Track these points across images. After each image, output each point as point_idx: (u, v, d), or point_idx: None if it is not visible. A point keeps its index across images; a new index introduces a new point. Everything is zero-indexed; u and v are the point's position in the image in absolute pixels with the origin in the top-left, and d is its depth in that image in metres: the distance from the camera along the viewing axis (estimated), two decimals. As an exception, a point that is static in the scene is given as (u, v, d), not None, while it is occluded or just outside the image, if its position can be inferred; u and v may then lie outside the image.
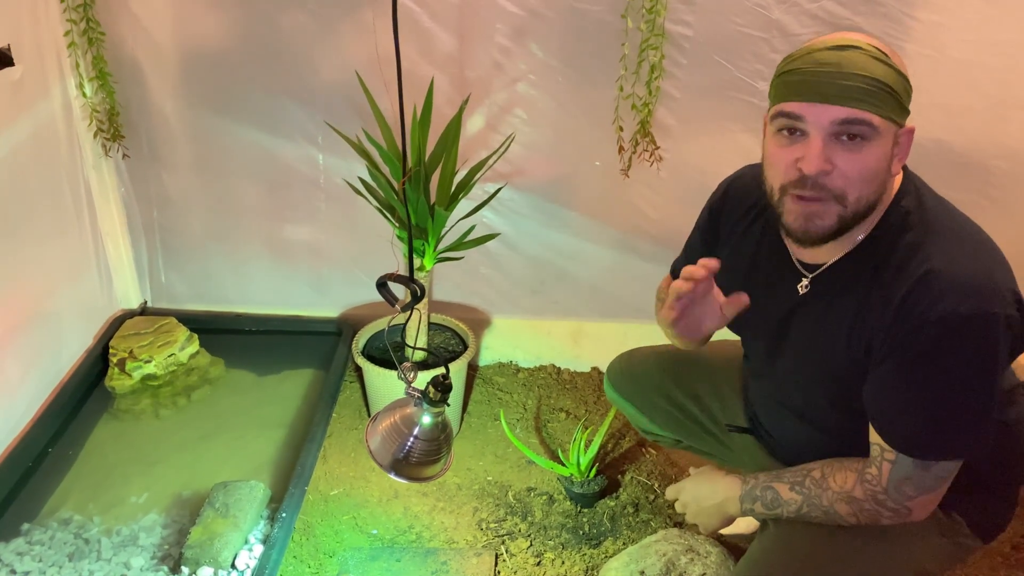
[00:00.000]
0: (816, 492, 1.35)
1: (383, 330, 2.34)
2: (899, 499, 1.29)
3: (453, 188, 2.09)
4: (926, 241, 1.23)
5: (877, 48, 1.19)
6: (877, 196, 1.24)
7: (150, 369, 2.38)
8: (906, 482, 1.27)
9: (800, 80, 1.19)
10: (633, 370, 1.84)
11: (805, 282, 1.36)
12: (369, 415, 2.39)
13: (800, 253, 1.37)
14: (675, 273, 1.68)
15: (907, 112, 1.22)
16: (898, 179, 1.30)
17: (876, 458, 1.30)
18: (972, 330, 1.18)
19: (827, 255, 1.32)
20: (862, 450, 1.33)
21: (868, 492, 1.30)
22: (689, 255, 1.64)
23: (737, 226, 1.49)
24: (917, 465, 1.26)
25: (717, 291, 1.37)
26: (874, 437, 1.30)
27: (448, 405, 1.44)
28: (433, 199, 2.09)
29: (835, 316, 1.32)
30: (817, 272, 1.35)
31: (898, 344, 1.23)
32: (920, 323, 1.19)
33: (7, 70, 1.95)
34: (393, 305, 1.46)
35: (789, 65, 1.22)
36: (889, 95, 1.17)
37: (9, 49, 1.95)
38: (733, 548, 1.88)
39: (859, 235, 1.29)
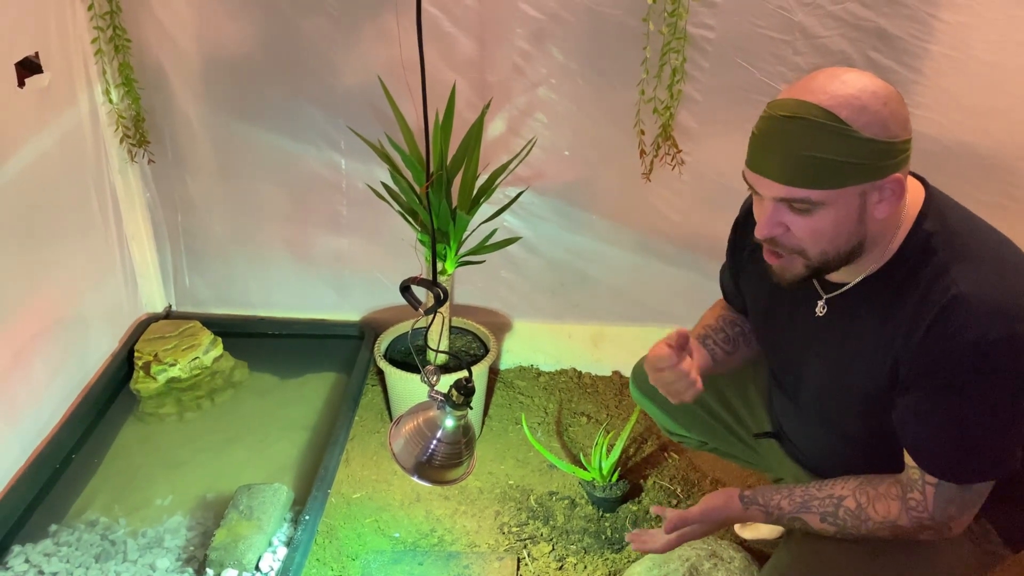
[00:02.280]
0: (854, 524, 1.32)
1: (404, 333, 2.35)
2: (943, 520, 1.27)
3: (474, 192, 2.10)
4: (951, 264, 1.20)
5: (831, 114, 1.12)
6: (851, 245, 1.22)
7: (175, 372, 2.40)
8: (950, 504, 1.26)
9: (751, 146, 1.20)
10: None
11: (821, 304, 1.35)
12: (391, 418, 2.40)
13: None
14: (722, 277, 1.68)
15: (881, 168, 1.15)
16: (918, 199, 1.26)
17: (916, 482, 1.27)
18: (1002, 355, 1.16)
19: (847, 276, 1.30)
20: (889, 457, 1.32)
21: (914, 518, 1.28)
22: (724, 271, 1.65)
23: (759, 246, 1.48)
24: (961, 488, 1.25)
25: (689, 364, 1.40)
26: (909, 460, 1.29)
27: (471, 408, 1.44)
28: (455, 203, 2.09)
29: (856, 338, 1.30)
30: (833, 294, 1.34)
31: (927, 371, 1.21)
32: (949, 350, 1.17)
33: (35, 77, 1.98)
34: (417, 309, 1.46)
35: (757, 121, 1.20)
36: (836, 166, 1.13)
37: (37, 56, 1.99)
38: (756, 553, 1.87)
39: (877, 259, 1.27)
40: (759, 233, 1.22)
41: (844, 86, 1.14)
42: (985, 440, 1.22)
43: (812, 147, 1.13)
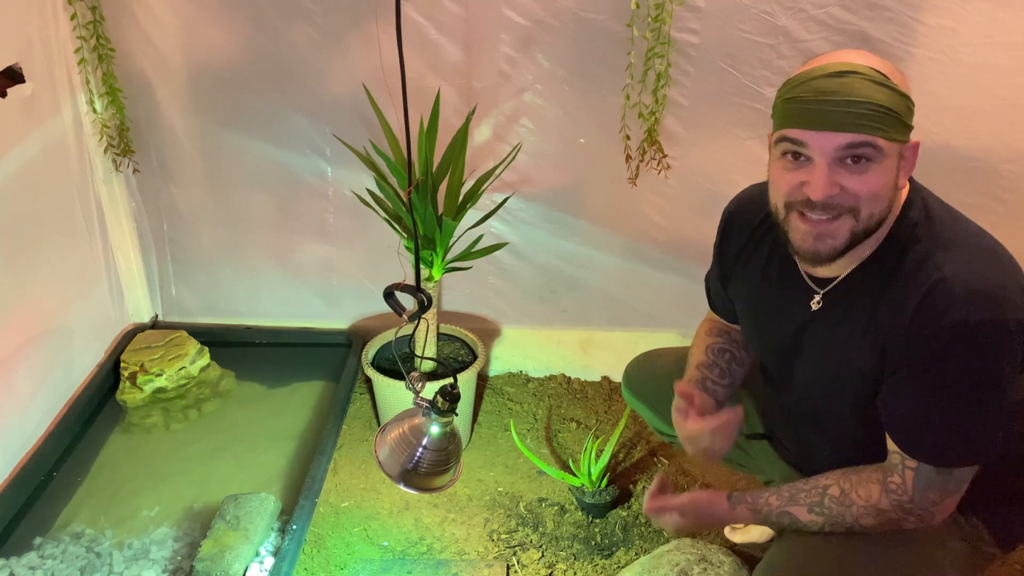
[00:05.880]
0: (839, 511, 1.33)
1: (392, 341, 2.34)
2: (924, 505, 1.29)
3: (461, 198, 2.09)
4: (935, 251, 1.23)
5: (876, 71, 1.18)
6: (887, 211, 1.24)
7: (161, 382, 2.38)
8: (930, 488, 1.28)
9: (802, 108, 1.19)
10: (651, 372, 1.84)
11: (817, 298, 1.37)
12: (379, 427, 2.39)
13: (810, 268, 1.37)
14: (707, 285, 1.69)
15: (910, 128, 1.21)
16: (904, 190, 1.30)
17: (897, 466, 1.29)
18: (984, 338, 1.18)
19: (837, 269, 1.33)
20: (880, 455, 1.33)
21: (895, 502, 1.30)
22: (712, 273, 1.66)
23: (746, 246, 1.50)
24: (940, 471, 1.27)
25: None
26: (892, 445, 1.30)
27: (456, 415, 1.43)
28: (441, 209, 2.09)
29: (848, 328, 1.32)
30: (829, 287, 1.35)
31: (911, 354, 1.23)
32: (932, 332, 1.20)
33: (18, 87, 1.97)
34: (400, 315, 1.46)
35: (790, 92, 1.22)
36: (891, 117, 1.17)
37: (20, 66, 1.97)
38: (746, 557, 1.86)
39: (868, 249, 1.29)
40: (817, 194, 1.20)
41: (867, 56, 1.21)
42: (965, 423, 1.24)
43: (871, 96, 1.16)
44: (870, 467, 1.34)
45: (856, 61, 1.19)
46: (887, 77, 1.18)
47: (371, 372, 2.20)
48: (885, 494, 1.30)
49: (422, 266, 2.09)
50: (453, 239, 2.11)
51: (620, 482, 2.15)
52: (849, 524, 1.33)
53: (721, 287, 1.61)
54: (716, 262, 1.60)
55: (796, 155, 1.22)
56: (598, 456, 2.10)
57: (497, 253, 2.26)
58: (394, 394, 2.20)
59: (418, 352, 2.18)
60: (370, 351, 2.31)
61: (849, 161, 1.19)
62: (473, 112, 2.09)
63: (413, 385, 1.47)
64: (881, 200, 1.22)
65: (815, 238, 1.24)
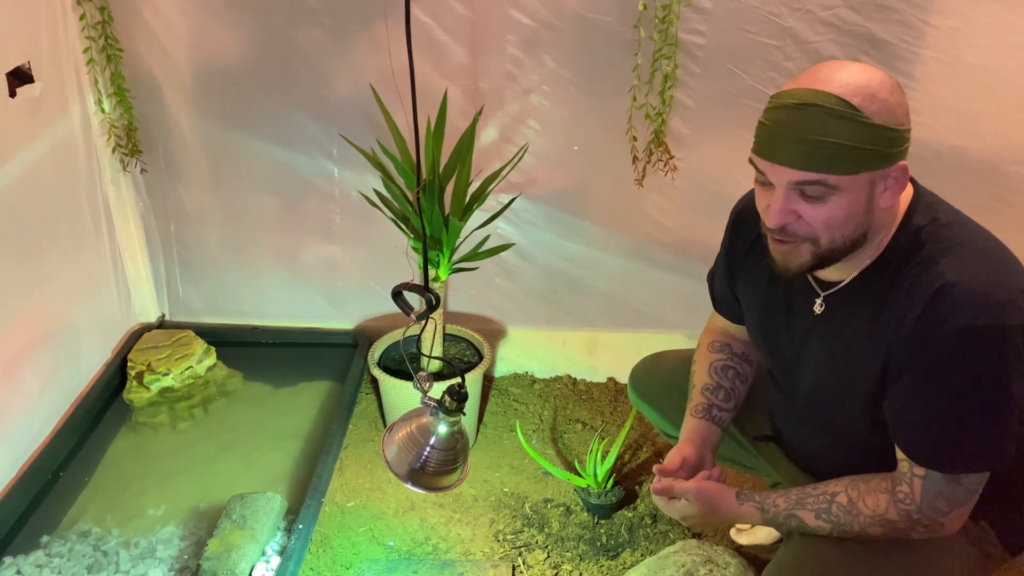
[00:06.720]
0: (846, 519, 1.33)
1: (398, 341, 2.34)
2: (933, 515, 1.28)
3: (467, 199, 2.09)
4: (940, 256, 1.23)
5: (844, 101, 1.14)
6: (858, 233, 1.24)
7: (168, 382, 2.39)
8: (939, 498, 1.26)
9: (762, 136, 1.22)
10: (658, 374, 1.84)
11: (819, 301, 1.37)
12: (385, 426, 2.39)
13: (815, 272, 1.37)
14: (711, 284, 1.69)
15: (889, 155, 1.18)
16: (906, 195, 1.29)
17: (905, 475, 1.28)
18: (989, 343, 1.17)
19: (841, 274, 1.32)
20: (888, 460, 1.32)
21: (902, 512, 1.29)
22: (716, 272, 1.66)
23: (754, 246, 1.50)
24: (948, 480, 1.25)
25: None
26: (900, 454, 1.29)
27: (464, 414, 1.44)
28: (447, 210, 2.09)
29: (850, 333, 1.32)
30: (831, 291, 1.35)
31: (916, 358, 1.22)
32: (937, 337, 1.19)
33: (27, 87, 1.98)
34: (409, 315, 1.46)
35: (764, 113, 1.23)
36: (851, 152, 1.15)
37: (29, 66, 1.98)
38: (752, 559, 1.86)
39: (871, 254, 1.29)
40: (771, 221, 1.23)
41: (853, 76, 1.18)
42: (970, 428, 1.23)
43: (827, 133, 1.15)
44: (879, 476, 1.33)
45: (828, 88, 1.16)
46: (856, 110, 1.14)
47: (378, 372, 2.21)
48: (893, 504, 1.29)
49: (429, 266, 2.09)
50: (459, 240, 2.11)
51: (626, 483, 2.15)
52: (857, 533, 1.33)
53: (728, 287, 1.61)
54: (724, 262, 1.60)
55: (763, 179, 1.25)
56: (604, 457, 2.10)
57: (503, 254, 2.26)
58: (400, 394, 2.20)
59: (425, 352, 2.18)
60: (376, 351, 2.31)
61: (805, 191, 1.20)
62: (480, 113, 2.09)
63: (421, 385, 1.47)
64: (842, 228, 1.22)
65: (782, 255, 1.29)
